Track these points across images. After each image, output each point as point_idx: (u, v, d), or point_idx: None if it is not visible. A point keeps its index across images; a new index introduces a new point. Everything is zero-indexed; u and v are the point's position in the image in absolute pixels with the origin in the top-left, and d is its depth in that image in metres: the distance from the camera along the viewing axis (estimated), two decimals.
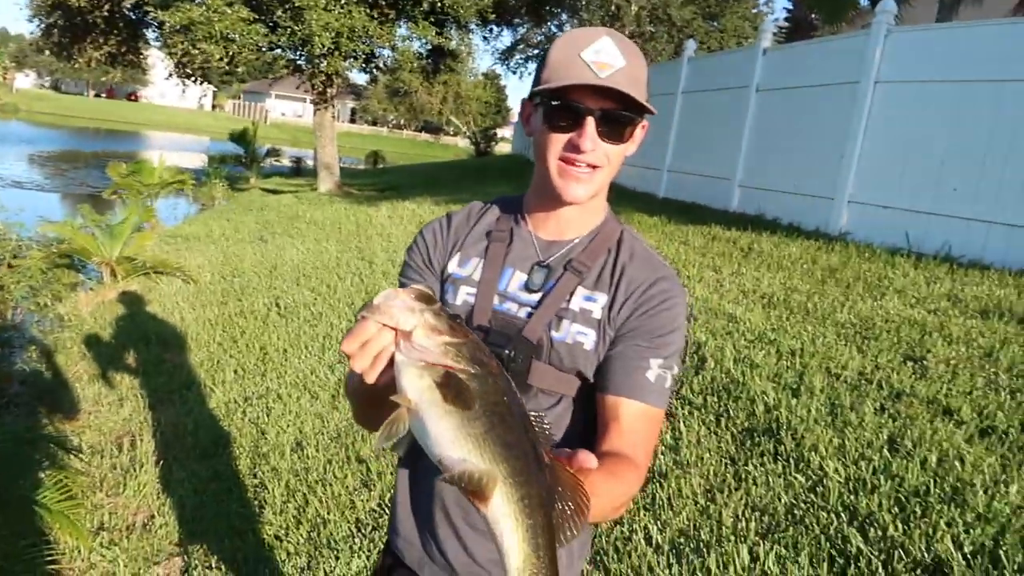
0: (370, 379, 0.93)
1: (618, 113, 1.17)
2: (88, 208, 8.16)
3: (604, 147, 1.19)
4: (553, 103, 1.18)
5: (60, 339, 5.91)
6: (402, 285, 1.38)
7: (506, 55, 27.46)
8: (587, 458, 0.90)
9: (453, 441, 0.86)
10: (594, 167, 1.20)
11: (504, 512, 0.86)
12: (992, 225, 6.43)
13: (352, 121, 70.26)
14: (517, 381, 1.22)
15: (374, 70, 18.05)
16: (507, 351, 1.20)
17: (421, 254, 1.36)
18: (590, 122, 1.16)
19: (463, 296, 1.29)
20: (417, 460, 1.33)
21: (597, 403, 1.23)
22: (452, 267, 1.33)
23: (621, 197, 11.68)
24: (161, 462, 3.78)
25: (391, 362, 0.91)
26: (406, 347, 0.90)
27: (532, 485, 0.86)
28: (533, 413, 0.93)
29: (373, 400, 0.99)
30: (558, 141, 1.19)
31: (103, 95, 72.56)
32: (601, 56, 1.15)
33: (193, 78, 15.96)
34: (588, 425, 1.27)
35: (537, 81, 1.22)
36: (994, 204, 6.47)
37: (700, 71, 11.75)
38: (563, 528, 0.88)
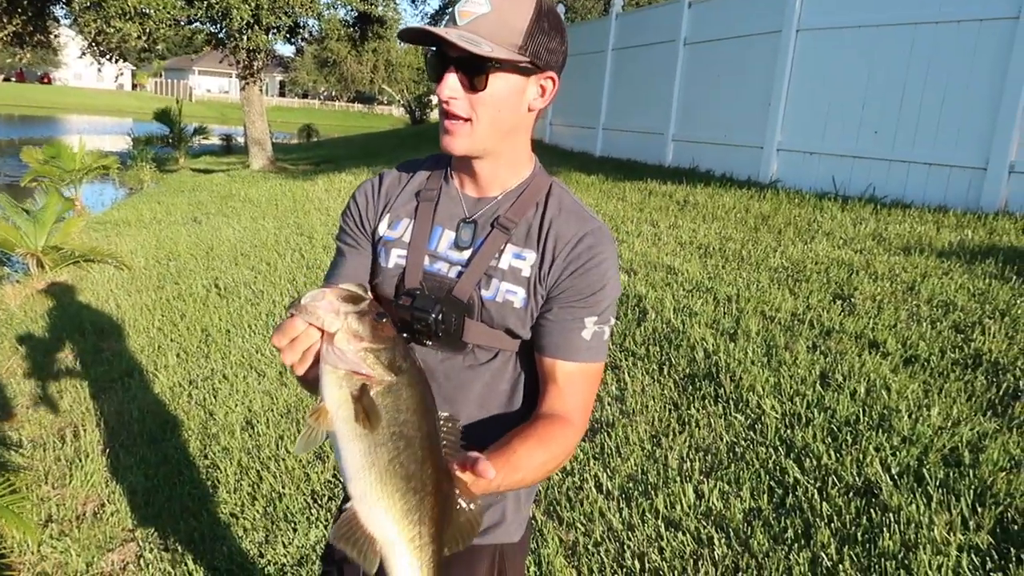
0: (299, 373, 0.97)
1: (469, 60, 1.14)
2: (6, 198, 7.81)
3: (470, 97, 1.17)
4: (427, 54, 1.20)
5: None
6: (337, 250, 1.40)
7: (436, 19, 27.02)
8: (485, 469, 0.97)
9: (359, 471, 0.94)
10: (463, 119, 1.18)
11: (396, 553, 0.96)
12: (912, 165, 6.69)
13: (282, 95, 68.35)
14: (452, 340, 1.25)
15: (300, 41, 17.58)
16: (438, 313, 1.22)
17: (353, 217, 1.37)
18: (448, 70, 1.16)
19: (394, 259, 1.30)
20: None
21: (536, 363, 1.27)
22: (382, 229, 1.33)
23: (558, 157, 11.72)
24: (108, 450, 3.72)
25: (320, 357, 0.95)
26: (328, 350, 0.93)
27: (424, 523, 0.96)
28: (444, 415, 1.01)
29: (310, 387, 1.04)
30: (437, 91, 1.19)
31: (12, 79, 68.92)
32: (467, 5, 1.14)
33: (109, 57, 15.30)
34: (529, 375, 1.31)
35: None
36: (911, 145, 6.72)
37: (629, 27, 11.78)
38: (456, 542, 1.00)
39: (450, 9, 1.22)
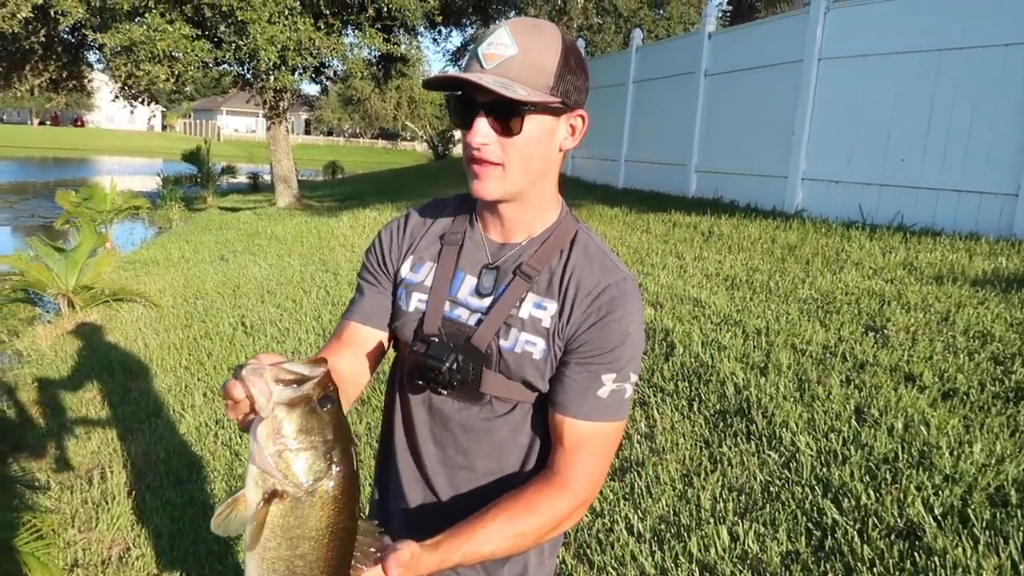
0: (242, 428, 0.92)
1: (501, 105, 1.10)
2: (39, 239, 7.96)
3: (503, 141, 1.13)
4: (451, 100, 1.16)
5: (20, 376, 5.76)
6: (357, 286, 1.38)
7: (457, 56, 27.44)
8: (390, 567, 0.97)
9: (255, 561, 0.89)
10: (494, 163, 1.15)
11: None
12: (940, 192, 6.59)
13: (307, 133, 69.60)
14: (468, 390, 1.21)
15: (325, 80, 17.89)
16: (452, 362, 1.18)
17: (376, 255, 1.35)
18: (479, 115, 1.12)
19: (415, 303, 1.28)
20: (395, 464, 1.34)
21: (548, 418, 1.22)
22: (405, 271, 1.31)
23: (581, 189, 11.74)
24: (134, 492, 3.71)
25: None
26: (251, 438, 0.86)
27: None
28: (365, 527, 0.96)
29: None
30: (464, 138, 1.16)
31: (48, 122, 70.92)
32: (492, 47, 1.11)
33: (140, 99, 15.67)
34: (540, 431, 1.26)
35: None
36: (940, 172, 6.63)
37: (649, 59, 11.85)
38: None
39: (471, 49, 1.14)
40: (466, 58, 1.16)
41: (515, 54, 1.10)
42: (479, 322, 1.21)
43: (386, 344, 1.36)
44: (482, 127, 1.12)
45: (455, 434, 1.24)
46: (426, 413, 1.28)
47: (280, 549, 0.87)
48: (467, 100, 1.13)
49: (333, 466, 0.87)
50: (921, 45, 6.79)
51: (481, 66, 1.11)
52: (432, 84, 1.15)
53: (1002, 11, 6.14)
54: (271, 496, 0.85)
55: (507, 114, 1.12)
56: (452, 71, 1.14)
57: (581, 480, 1.18)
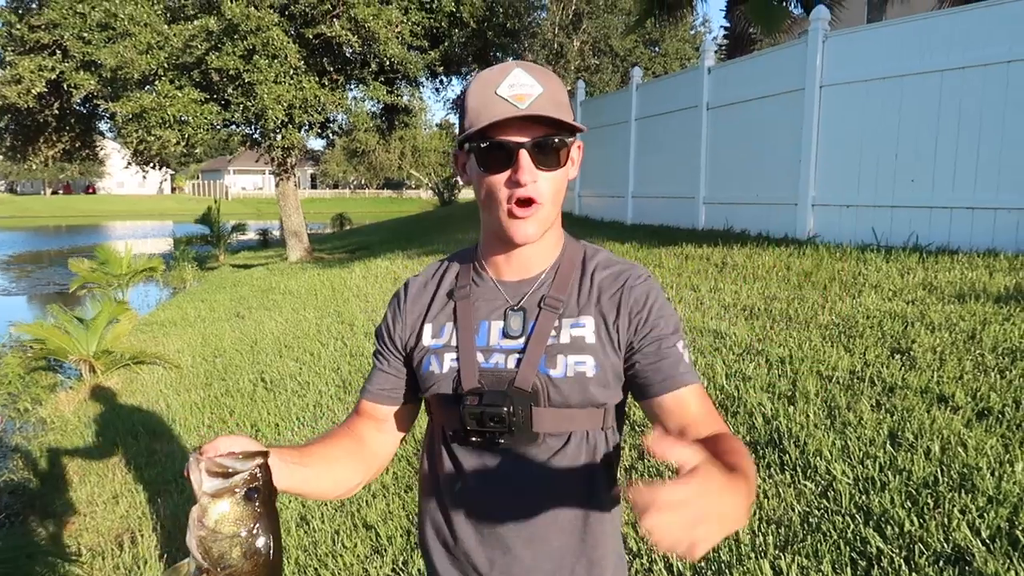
0: None
1: (549, 139, 1.15)
2: (58, 307, 8.06)
3: (543, 177, 1.17)
4: (483, 145, 1.16)
5: (45, 443, 5.78)
6: (373, 364, 1.39)
7: (457, 103, 27.85)
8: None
9: None
10: (539, 203, 1.18)
11: None
12: (953, 210, 6.59)
13: (313, 186, 70.48)
14: (524, 431, 1.20)
15: (330, 135, 18.19)
16: (509, 404, 1.17)
17: (385, 334, 1.37)
18: (523, 155, 1.14)
19: (448, 363, 1.26)
20: (455, 533, 1.30)
21: (652, 411, 1.22)
22: (427, 340, 1.30)
23: (590, 227, 11.79)
24: (165, 556, 3.69)
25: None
26: (189, 517, 0.95)
27: None
28: None
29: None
30: (497, 183, 1.17)
31: (60, 191, 72.19)
32: (516, 88, 1.14)
33: (151, 164, 15.96)
34: (598, 455, 1.26)
35: (462, 131, 1.21)
36: (951, 190, 6.63)
37: (650, 96, 11.99)
38: None
39: (475, 91, 1.18)
40: (477, 104, 1.17)
41: (542, 91, 1.15)
42: (518, 363, 1.21)
43: (407, 416, 1.39)
44: (528, 164, 1.15)
45: (518, 485, 1.23)
46: (481, 474, 1.25)
47: None
48: (503, 141, 1.15)
49: (249, 555, 0.94)
50: (921, 66, 6.85)
51: (514, 106, 1.13)
52: (482, 133, 1.15)
53: (1002, 29, 6.20)
54: (200, 572, 0.93)
55: (554, 148, 1.16)
56: (492, 118, 1.14)
57: (724, 426, 1.17)
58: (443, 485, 1.30)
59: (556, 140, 1.16)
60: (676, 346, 1.21)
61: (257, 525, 0.95)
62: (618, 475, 1.34)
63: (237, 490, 0.93)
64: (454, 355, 1.26)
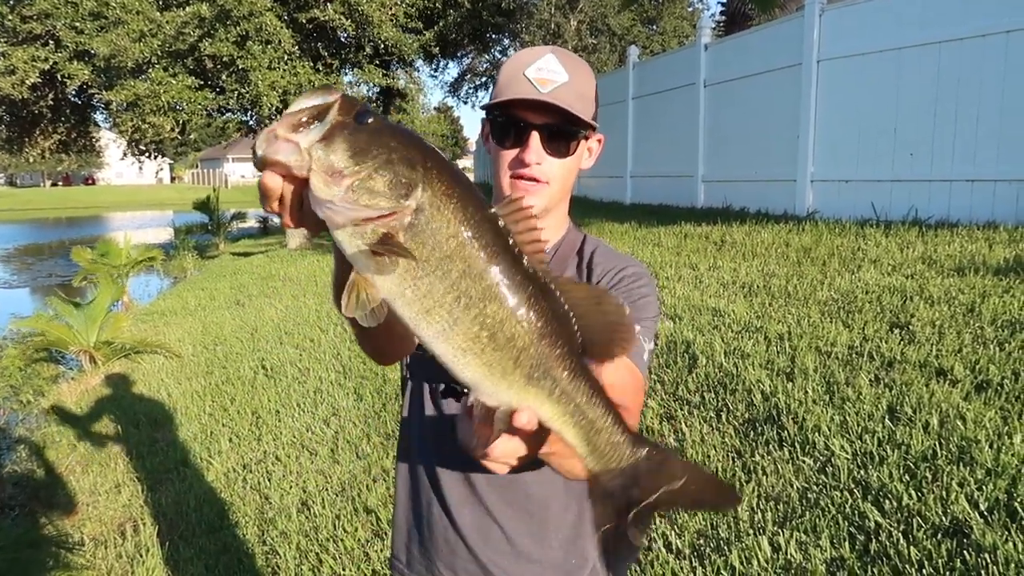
0: (312, 230, 0.79)
1: (560, 127, 1.20)
2: (58, 299, 8.04)
3: (550, 161, 1.21)
4: (499, 119, 1.22)
5: (48, 434, 5.79)
6: None
7: (455, 86, 27.69)
8: None
9: (441, 347, 0.75)
10: (541, 182, 1.22)
11: (546, 416, 0.78)
12: (953, 183, 6.55)
13: None
14: None
15: None
16: None
17: None
18: (534, 136, 1.19)
19: None
20: (437, 489, 1.31)
21: None
22: None
23: (589, 208, 11.74)
24: (167, 543, 3.70)
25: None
26: (315, 202, 0.72)
27: (553, 367, 0.77)
28: (505, 206, 0.78)
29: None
30: (507, 156, 1.22)
31: (59, 183, 72.06)
32: (543, 73, 1.17)
33: (147, 153, 15.91)
34: None
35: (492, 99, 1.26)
36: (950, 163, 6.58)
37: (647, 75, 11.91)
38: (608, 344, 0.79)
39: (506, 69, 1.21)
40: (505, 79, 1.21)
41: (567, 81, 1.18)
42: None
43: None
44: (537, 146, 1.20)
45: None
46: None
47: (436, 292, 0.73)
48: (518, 119, 1.19)
49: (422, 168, 0.73)
50: (919, 38, 6.78)
51: (536, 89, 1.17)
52: (503, 105, 1.19)
53: (999, 0, 6.13)
54: (382, 243, 0.72)
55: (564, 137, 1.21)
56: (512, 95, 1.18)
57: (633, 407, 1.13)
58: (425, 450, 1.32)
59: (568, 129, 1.20)
60: (639, 334, 1.18)
61: (398, 137, 0.74)
62: None
63: (344, 119, 0.72)
64: None
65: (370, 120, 0.73)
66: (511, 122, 1.20)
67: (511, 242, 0.76)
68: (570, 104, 1.17)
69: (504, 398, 0.77)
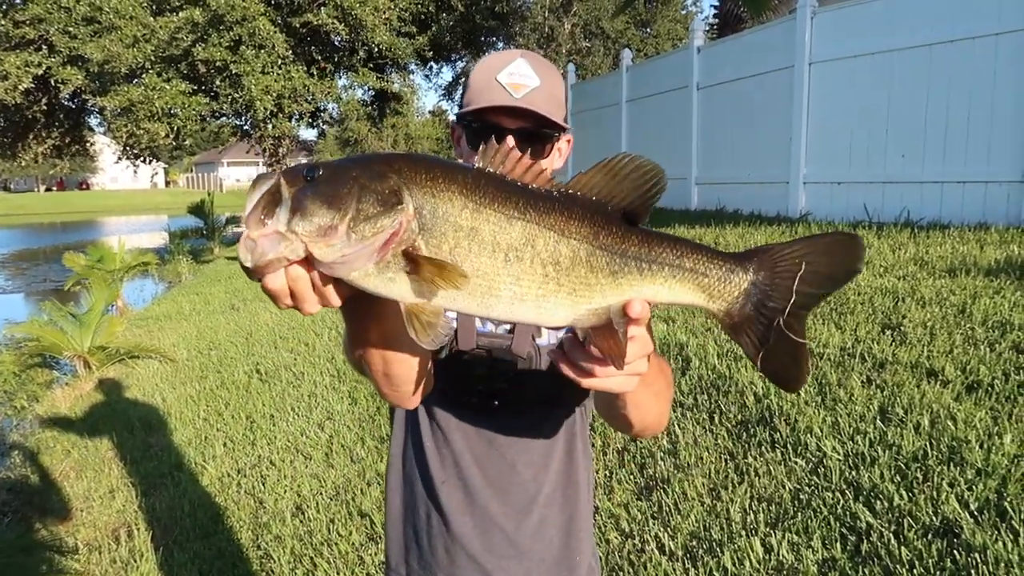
0: (335, 303, 0.78)
1: (535, 131, 1.21)
2: (52, 304, 8.03)
3: None
4: (473, 125, 1.23)
5: (42, 439, 5.78)
6: None
7: (449, 89, 27.72)
8: None
9: (514, 304, 0.74)
10: None
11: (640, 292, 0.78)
12: (944, 185, 6.58)
13: None
14: (518, 397, 1.23)
15: (322, 124, 18.12)
16: (512, 370, 1.22)
17: None
18: (508, 141, 1.17)
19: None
20: (435, 502, 1.31)
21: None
22: None
23: None
24: (161, 548, 3.70)
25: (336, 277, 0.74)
26: (329, 268, 0.72)
27: (621, 241, 0.78)
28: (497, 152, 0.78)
29: (384, 333, 0.91)
30: None
31: (54, 188, 71.85)
32: (515, 77, 1.19)
33: (142, 158, 15.89)
34: (576, 427, 1.31)
35: (462, 106, 1.26)
36: (942, 164, 6.62)
37: (640, 78, 11.94)
38: (646, 200, 0.81)
39: (477, 75, 1.23)
40: (477, 85, 1.22)
41: (539, 85, 1.20)
42: (509, 331, 1.24)
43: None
44: None
45: (500, 450, 1.25)
46: (464, 437, 1.27)
47: (485, 266, 0.73)
48: (493, 125, 1.20)
49: (394, 172, 0.73)
50: (910, 41, 6.82)
51: (509, 94, 1.19)
52: (476, 113, 1.21)
53: (990, 2, 6.16)
54: (409, 261, 0.72)
55: (539, 140, 1.22)
56: (486, 102, 1.20)
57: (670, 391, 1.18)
58: (424, 459, 1.31)
59: (542, 133, 1.22)
60: None
61: (353, 167, 0.74)
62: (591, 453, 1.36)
63: (297, 185, 0.72)
64: (452, 315, 1.27)
65: (319, 171, 0.73)
66: (486, 127, 1.21)
67: (511, 179, 0.77)
68: (543, 107, 1.19)
69: (604, 305, 0.77)
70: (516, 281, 0.74)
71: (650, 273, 0.79)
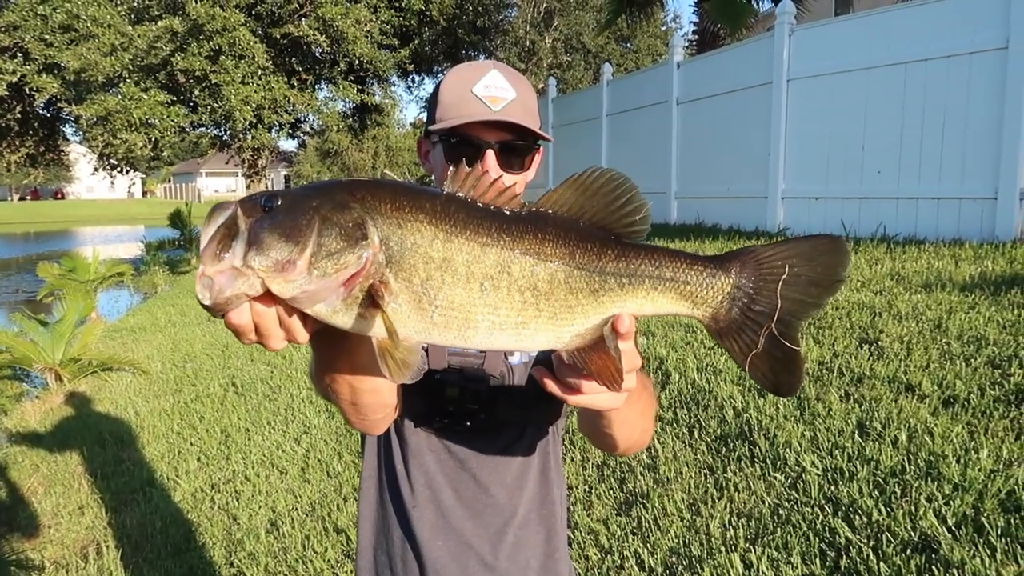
0: (301, 339, 0.74)
1: (516, 143, 1.20)
2: (23, 315, 7.89)
3: (507, 177, 1.20)
4: (453, 140, 1.20)
5: (10, 454, 5.65)
6: None
7: (430, 103, 27.70)
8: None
9: (492, 334, 0.72)
10: None
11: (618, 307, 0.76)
12: (919, 201, 6.66)
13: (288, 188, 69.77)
14: (491, 417, 1.20)
15: (302, 135, 18.04)
16: (485, 389, 1.19)
17: None
18: (490, 155, 1.18)
19: None
20: (407, 525, 1.27)
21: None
22: None
23: None
24: (131, 566, 3.61)
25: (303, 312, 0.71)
26: (291, 303, 0.69)
27: (598, 257, 0.75)
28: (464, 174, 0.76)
29: (352, 363, 0.88)
30: None
31: (28, 197, 70.88)
32: (492, 90, 1.17)
33: (118, 168, 15.72)
34: (549, 446, 1.29)
35: (431, 119, 1.23)
36: (917, 181, 6.70)
37: (620, 92, 12.01)
38: (623, 217, 0.78)
39: (451, 87, 1.21)
40: (451, 99, 1.20)
41: (515, 96, 1.19)
42: (480, 351, 1.21)
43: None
44: (494, 163, 1.19)
45: (473, 472, 1.23)
46: (436, 459, 1.25)
47: (459, 297, 0.70)
48: (471, 139, 1.18)
49: (357, 203, 0.70)
50: (886, 59, 6.91)
51: (488, 107, 1.17)
52: (454, 130, 1.18)
53: (965, 21, 6.27)
54: (371, 301, 0.69)
55: (519, 152, 1.21)
56: (466, 117, 1.18)
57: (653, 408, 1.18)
58: (396, 484, 1.28)
59: (522, 145, 1.20)
60: None
61: (313, 197, 0.70)
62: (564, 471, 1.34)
63: (254, 218, 0.68)
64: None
65: (278, 201, 0.69)
66: (465, 141, 1.19)
67: (481, 204, 0.74)
68: (521, 119, 1.18)
69: (587, 326, 0.75)
70: (494, 311, 0.71)
71: (631, 287, 0.77)
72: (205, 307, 0.70)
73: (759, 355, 0.80)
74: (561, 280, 0.74)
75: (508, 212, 0.74)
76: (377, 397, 0.99)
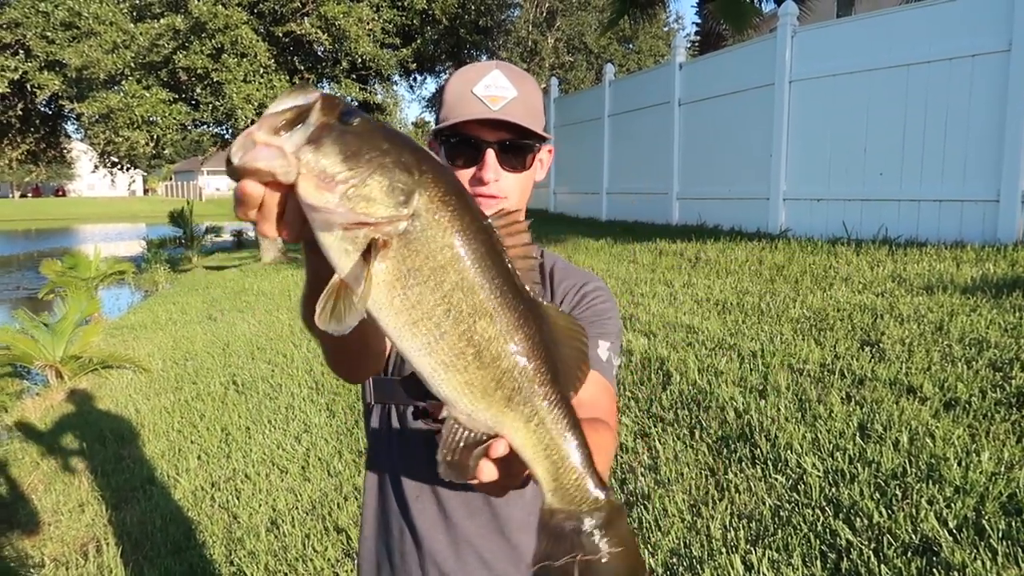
0: (291, 238, 0.72)
1: (515, 142, 1.20)
2: (24, 312, 7.89)
3: (507, 176, 1.21)
4: (452, 140, 1.21)
5: (10, 451, 5.65)
6: None
7: (433, 102, 27.77)
8: None
9: (420, 362, 0.71)
10: (499, 197, 1.21)
11: (515, 443, 0.73)
12: (921, 203, 6.66)
13: None
14: None
15: None
16: None
17: None
18: (490, 154, 1.19)
19: None
20: (407, 516, 1.28)
21: None
22: None
23: (565, 224, 11.77)
24: (131, 564, 3.61)
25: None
26: (304, 208, 0.67)
27: (534, 395, 0.73)
28: (494, 219, 0.74)
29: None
30: (463, 177, 1.20)
31: (29, 195, 70.91)
32: (492, 90, 1.17)
33: (120, 166, 15.71)
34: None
35: (438, 120, 1.25)
36: (919, 183, 6.70)
37: (623, 93, 12.01)
38: (573, 379, 0.76)
39: (453, 87, 1.21)
40: (453, 99, 1.21)
41: (516, 95, 1.19)
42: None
43: None
44: (493, 163, 1.19)
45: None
46: (430, 455, 1.24)
47: (426, 303, 0.69)
48: (471, 138, 1.19)
49: (418, 172, 0.69)
50: (888, 61, 6.91)
51: (487, 107, 1.17)
52: (453, 128, 1.19)
53: (966, 23, 6.27)
54: (369, 250, 0.67)
55: (519, 152, 1.20)
56: (464, 116, 1.18)
57: (612, 420, 1.15)
58: (400, 469, 1.29)
59: (522, 144, 1.20)
60: (600, 343, 1.21)
61: (390, 139, 0.70)
62: None
63: (329, 120, 0.67)
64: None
65: (355, 120, 0.68)
66: (464, 141, 1.20)
67: (505, 256, 0.73)
68: (521, 118, 1.17)
69: (481, 419, 0.73)
70: (439, 336, 0.70)
71: (534, 429, 0.75)
72: (229, 163, 0.67)
73: (549, 567, 0.79)
74: (500, 368, 0.72)
75: (519, 280, 0.74)
76: (362, 344, 0.98)
